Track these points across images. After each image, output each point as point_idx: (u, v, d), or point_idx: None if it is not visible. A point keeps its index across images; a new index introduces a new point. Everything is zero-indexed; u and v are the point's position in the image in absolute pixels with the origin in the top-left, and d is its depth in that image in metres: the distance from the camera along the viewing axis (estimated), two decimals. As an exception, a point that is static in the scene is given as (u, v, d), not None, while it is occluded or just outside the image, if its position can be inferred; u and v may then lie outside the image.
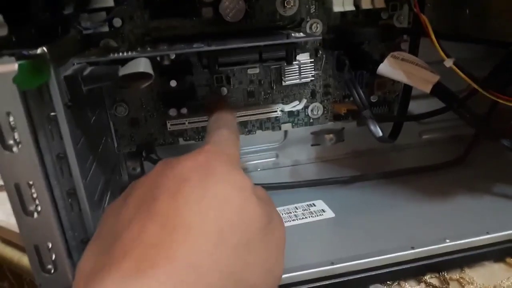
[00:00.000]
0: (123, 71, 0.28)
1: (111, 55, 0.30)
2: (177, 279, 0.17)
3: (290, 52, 0.32)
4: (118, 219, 0.21)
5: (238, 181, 0.22)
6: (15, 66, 0.20)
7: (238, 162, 0.27)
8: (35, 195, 0.24)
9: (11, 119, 0.21)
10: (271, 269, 0.21)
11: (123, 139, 0.40)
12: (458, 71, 0.33)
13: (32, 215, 0.23)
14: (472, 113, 0.35)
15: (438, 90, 0.34)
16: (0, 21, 0.19)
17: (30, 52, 0.23)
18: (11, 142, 0.22)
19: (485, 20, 0.36)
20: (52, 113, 0.26)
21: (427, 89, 0.34)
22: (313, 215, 0.36)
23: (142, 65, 0.28)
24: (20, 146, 0.22)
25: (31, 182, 0.23)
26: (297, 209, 0.37)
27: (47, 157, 0.26)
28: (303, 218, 0.35)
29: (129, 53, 0.30)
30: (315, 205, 0.37)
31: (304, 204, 0.37)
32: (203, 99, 0.40)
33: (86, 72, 0.28)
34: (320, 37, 0.37)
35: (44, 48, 0.24)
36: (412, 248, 0.29)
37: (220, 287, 0.18)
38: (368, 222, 0.34)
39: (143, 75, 0.28)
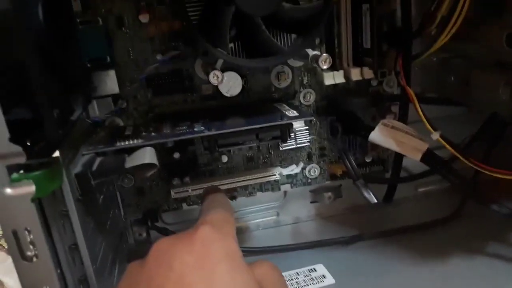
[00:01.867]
0: (130, 163, 0.30)
1: (117, 143, 0.32)
2: None
3: (284, 131, 0.35)
4: None
5: (243, 280, 0.22)
6: (32, 188, 0.22)
7: (234, 238, 0.26)
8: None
9: (30, 235, 0.23)
10: None
11: (130, 208, 0.42)
12: (444, 143, 0.34)
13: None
14: (459, 178, 0.37)
15: (427, 158, 0.36)
16: (18, 150, 0.21)
17: (45, 160, 0.25)
18: (29, 253, 0.24)
19: (467, 89, 0.38)
20: (64, 209, 0.28)
21: (417, 157, 0.36)
22: (314, 282, 0.37)
23: (147, 156, 0.30)
24: (37, 259, 0.24)
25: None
26: (298, 275, 0.38)
27: (60, 248, 0.28)
28: (304, 285, 0.37)
29: (135, 141, 0.32)
30: (315, 270, 0.38)
31: (305, 269, 0.39)
32: (205, 166, 0.42)
33: (95, 166, 0.30)
34: (312, 118, 0.40)
35: (56, 154, 0.26)
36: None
37: None
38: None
39: (148, 165, 0.30)
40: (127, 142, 0.32)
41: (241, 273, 0.23)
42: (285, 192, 0.47)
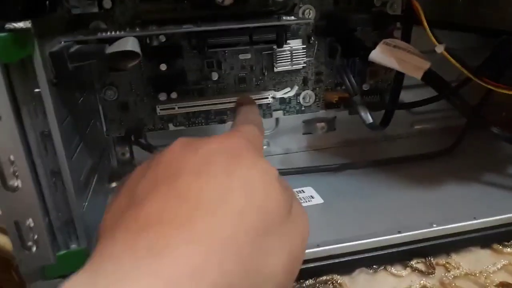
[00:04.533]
0: (111, 49, 0.28)
1: (99, 34, 0.29)
2: (193, 263, 0.16)
3: (280, 35, 0.32)
4: (135, 193, 0.19)
5: (264, 168, 0.21)
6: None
7: (262, 153, 0.26)
8: (17, 172, 0.23)
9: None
10: (292, 255, 0.20)
11: (113, 124, 0.40)
12: (449, 57, 0.33)
13: (13, 190, 0.23)
14: (463, 101, 0.35)
15: (429, 77, 0.34)
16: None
17: (14, 25, 0.23)
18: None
19: (478, 8, 0.36)
20: (36, 90, 0.26)
21: (419, 75, 0.34)
22: (302, 201, 0.36)
23: (130, 43, 0.28)
24: (1, 120, 0.22)
25: (12, 158, 0.23)
26: (286, 195, 0.37)
27: (30, 133, 0.25)
28: (291, 204, 0.35)
29: (118, 32, 0.30)
30: (304, 192, 0.37)
31: (293, 190, 0.37)
32: (194, 84, 0.40)
33: (72, 50, 0.27)
34: (311, 20, 0.37)
35: (29, 22, 0.23)
36: (399, 232, 0.29)
37: (237, 272, 0.17)
38: (356, 207, 0.34)
39: (130, 54, 0.28)
40: (109, 33, 0.29)
41: (266, 161, 0.21)
42: (277, 120, 0.45)
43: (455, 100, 0.35)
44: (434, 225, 0.30)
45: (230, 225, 0.17)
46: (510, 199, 0.34)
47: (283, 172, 0.41)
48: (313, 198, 0.36)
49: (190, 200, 0.18)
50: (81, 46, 0.28)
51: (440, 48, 0.32)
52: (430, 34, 0.33)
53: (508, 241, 0.31)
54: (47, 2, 0.28)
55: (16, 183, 0.24)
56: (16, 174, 0.24)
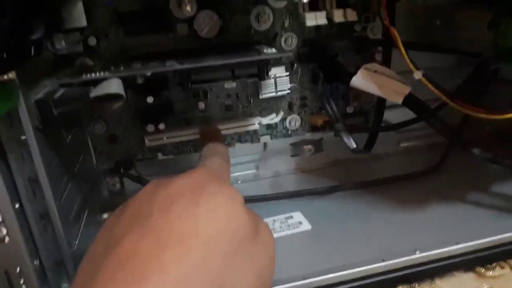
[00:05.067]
0: (94, 92, 0.28)
1: (83, 76, 0.30)
2: None
3: (262, 69, 0.33)
4: (111, 235, 0.21)
5: (228, 193, 0.23)
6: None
7: (229, 181, 0.29)
8: (4, 222, 0.24)
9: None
10: (260, 274, 0.22)
11: (102, 156, 0.41)
12: (427, 83, 0.33)
13: (1, 241, 0.24)
14: (443, 123, 0.36)
15: (409, 101, 0.35)
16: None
17: (-2, 77, 0.23)
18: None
19: (455, 31, 0.37)
20: (23, 137, 0.26)
21: (399, 100, 0.35)
22: (290, 228, 0.36)
23: (114, 86, 0.29)
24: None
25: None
26: (274, 222, 0.37)
27: (18, 180, 0.26)
28: (280, 231, 0.36)
29: (101, 73, 0.30)
30: (292, 218, 0.38)
31: (282, 216, 0.38)
32: (181, 114, 0.41)
33: (57, 95, 0.28)
34: (291, 54, 0.38)
35: (12, 74, 0.24)
36: (383, 260, 0.30)
37: None
38: (343, 234, 0.34)
39: (115, 96, 0.29)
40: (93, 75, 0.30)
41: (230, 187, 0.23)
42: (264, 144, 0.46)
43: (434, 123, 0.35)
44: (418, 252, 0.30)
45: (199, 251, 0.19)
46: (493, 220, 0.35)
47: (272, 197, 0.41)
48: (301, 224, 0.37)
49: (161, 235, 0.19)
50: (65, 90, 0.29)
51: (418, 75, 0.33)
52: (408, 61, 0.34)
53: (491, 264, 0.32)
54: (32, 48, 0.28)
55: (4, 232, 0.24)
56: (3, 223, 0.24)
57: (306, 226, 0.36)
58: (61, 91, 0.29)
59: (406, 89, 0.35)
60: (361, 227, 0.35)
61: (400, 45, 0.34)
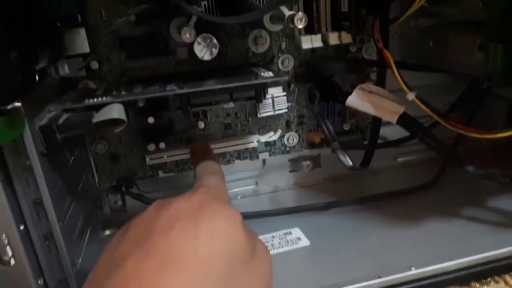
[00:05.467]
0: (97, 118, 0.29)
1: (86, 101, 0.31)
2: None
3: (259, 92, 0.34)
4: (114, 255, 0.22)
5: (228, 214, 0.23)
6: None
7: (228, 202, 0.29)
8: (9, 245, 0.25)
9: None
10: None
11: (104, 174, 0.42)
12: (420, 104, 0.34)
13: (7, 264, 0.24)
14: (436, 141, 0.37)
15: (403, 121, 0.36)
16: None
17: (4, 108, 0.24)
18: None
19: (446, 52, 0.38)
20: (28, 162, 0.27)
21: (393, 119, 0.36)
22: (289, 244, 0.37)
23: (115, 111, 0.30)
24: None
25: (4, 235, 0.24)
26: (273, 238, 0.38)
27: (23, 203, 0.27)
28: (279, 247, 0.37)
29: (104, 98, 0.31)
30: (291, 233, 0.38)
31: (281, 232, 0.39)
32: (181, 133, 0.42)
33: (61, 121, 0.29)
34: (287, 78, 0.39)
35: (18, 104, 0.25)
36: (379, 277, 0.30)
37: None
38: (340, 250, 0.35)
39: (116, 121, 0.30)
40: (95, 100, 0.31)
41: (230, 208, 0.24)
42: (263, 161, 0.47)
43: (428, 141, 0.36)
44: (413, 268, 0.31)
45: (198, 272, 0.20)
46: (488, 236, 0.35)
47: (271, 213, 0.42)
48: (300, 240, 0.37)
49: (162, 255, 0.20)
50: (69, 115, 0.30)
51: (411, 96, 0.34)
52: (402, 83, 0.34)
53: (486, 279, 0.33)
54: (37, 75, 0.29)
55: (10, 254, 0.25)
56: (9, 245, 0.25)
57: (305, 242, 0.37)
58: (64, 116, 0.30)
59: (401, 109, 0.36)
60: (358, 243, 0.36)
61: (394, 67, 0.35)
